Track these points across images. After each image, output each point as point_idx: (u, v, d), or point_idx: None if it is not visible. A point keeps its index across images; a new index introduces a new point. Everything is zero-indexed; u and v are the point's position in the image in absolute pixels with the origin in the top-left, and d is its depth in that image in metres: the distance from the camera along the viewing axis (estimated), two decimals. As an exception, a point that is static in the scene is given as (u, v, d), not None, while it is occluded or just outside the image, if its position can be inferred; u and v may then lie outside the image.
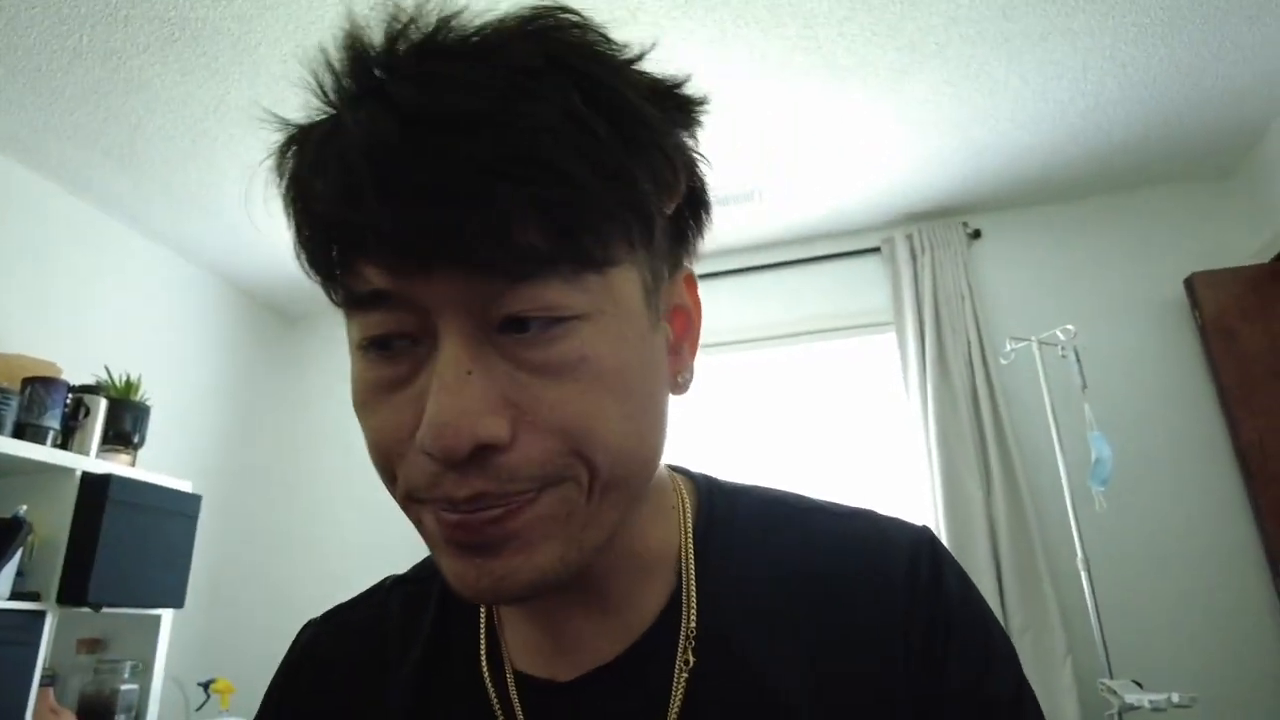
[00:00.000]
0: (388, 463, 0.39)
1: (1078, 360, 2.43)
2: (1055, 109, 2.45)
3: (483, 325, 0.36)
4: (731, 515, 0.52)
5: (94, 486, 2.10)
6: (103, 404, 2.25)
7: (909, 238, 2.99)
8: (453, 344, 0.36)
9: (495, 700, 0.47)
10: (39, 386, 2.10)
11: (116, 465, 2.22)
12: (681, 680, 0.45)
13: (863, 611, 0.46)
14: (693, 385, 0.48)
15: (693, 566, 0.48)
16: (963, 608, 0.47)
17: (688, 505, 0.52)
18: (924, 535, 0.50)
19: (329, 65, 0.38)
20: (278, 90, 2.23)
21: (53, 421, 2.09)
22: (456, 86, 0.35)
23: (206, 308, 3.25)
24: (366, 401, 0.39)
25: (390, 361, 0.38)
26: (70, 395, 2.19)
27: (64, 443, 2.15)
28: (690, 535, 0.50)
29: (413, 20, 0.37)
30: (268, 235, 3.00)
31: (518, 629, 0.50)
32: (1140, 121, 2.52)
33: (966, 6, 2.03)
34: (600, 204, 0.36)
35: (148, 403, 2.42)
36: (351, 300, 0.38)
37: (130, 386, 2.40)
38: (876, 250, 3.05)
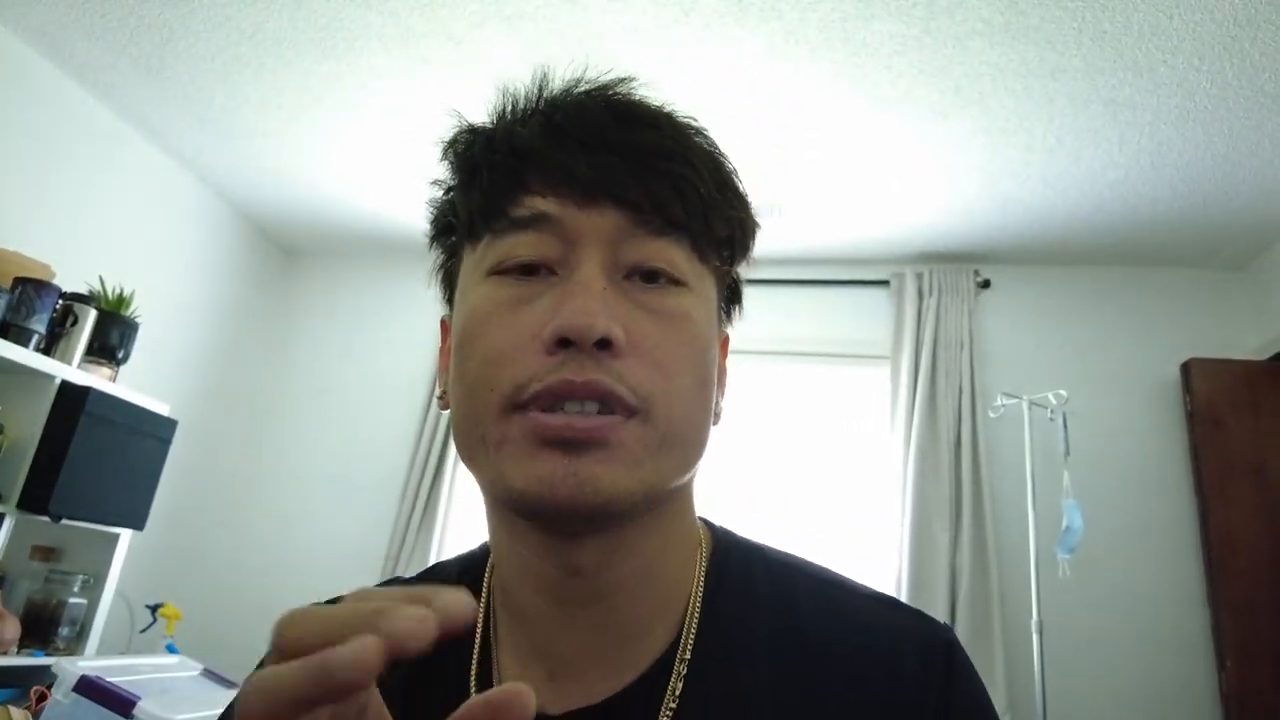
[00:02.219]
0: (497, 367, 0.43)
1: (1065, 426, 2.45)
2: (1085, 175, 2.45)
3: (614, 266, 0.45)
4: (746, 573, 0.52)
5: (71, 396, 2.08)
6: (92, 314, 2.22)
7: (919, 276, 2.99)
8: (592, 267, 0.44)
9: None
10: (30, 288, 2.07)
11: (97, 378, 2.20)
12: (668, 712, 0.45)
13: (864, 694, 0.46)
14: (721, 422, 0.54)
15: (698, 613, 0.49)
16: (970, 717, 0.46)
17: (703, 552, 0.53)
18: (943, 634, 0.49)
19: (513, 93, 0.51)
20: (317, 24, 2.19)
21: (39, 325, 2.06)
22: (642, 105, 0.49)
23: (208, 231, 3.21)
24: (489, 316, 0.45)
25: (521, 283, 0.45)
26: (60, 301, 2.16)
27: (47, 348, 2.12)
28: (701, 584, 0.51)
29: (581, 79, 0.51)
30: (284, 167, 2.96)
31: (513, 652, 0.50)
32: (1166, 201, 2.53)
33: (1017, 60, 2.02)
34: (717, 206, 0.48)
35: (137, 319, 2.40)
36: (512, 223, 0.46)
37: (122, 301, 2.37)
38: (885, 284, 3.05)
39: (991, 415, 2.67)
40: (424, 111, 2.52)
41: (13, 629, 2.03)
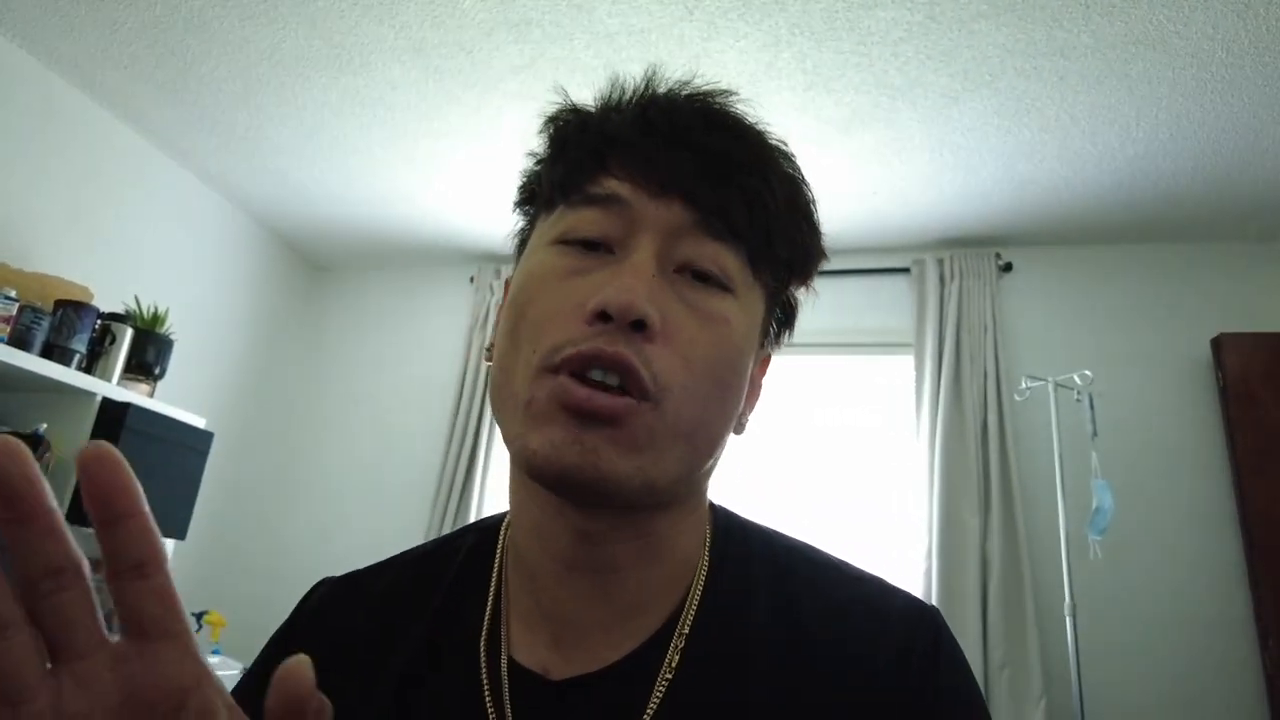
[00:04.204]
0: (541, 329, 0.46)
1: (1091, 407, 2.42)
2: (1103, 152, 2.42)
3: (667, 257, 0.47)
4: (746, 553, 0.54)
5: (112, 413, 2.16)
6: (129, 333, 2.30)
7: (940, 262, 2.97)
8: (646, 253, 0.46)
9: (487, 686, 0.49)
10: (70, 309, 2.15)
11: (136, 394, 2.28)
12: (665, 680, 0.47)
13: (854, 669, 0.48)
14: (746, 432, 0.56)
15: (700, 590, 0.51)
16: (953, 696, 0.48)
17: (708, 532, 0.55)
18: (928, 613, 0.51)
19: (616, 87, 0.53)
20: (332, 41, 2.25)
21: (79, 345, 2.15)
22: (733, 115, 0.51)
23: (239, 248, 3.30)
24: (545, 280, 0.48)
25: (580, 255, 0.48)
26: (99, 321, 2.24)
27: (88, 367, 2.21)
28: (705, 563, 0.53)
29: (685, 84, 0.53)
30: (309, 183, 3.04)
31: (522, 616, 0.52)
32: (1188, 174, 2.49)
33: (1025, 41, 2.01)
34: (781, 225, 0.50)
35: (172, 336, 2.48)
36: (585, 199, 0.49)
37: (157, 319, 2.46)
38: (906, 271, 3.04)
39: (1017, 399, 2.65)
40: (441, 121, 2.57)
41: (66, 637, 2.12)
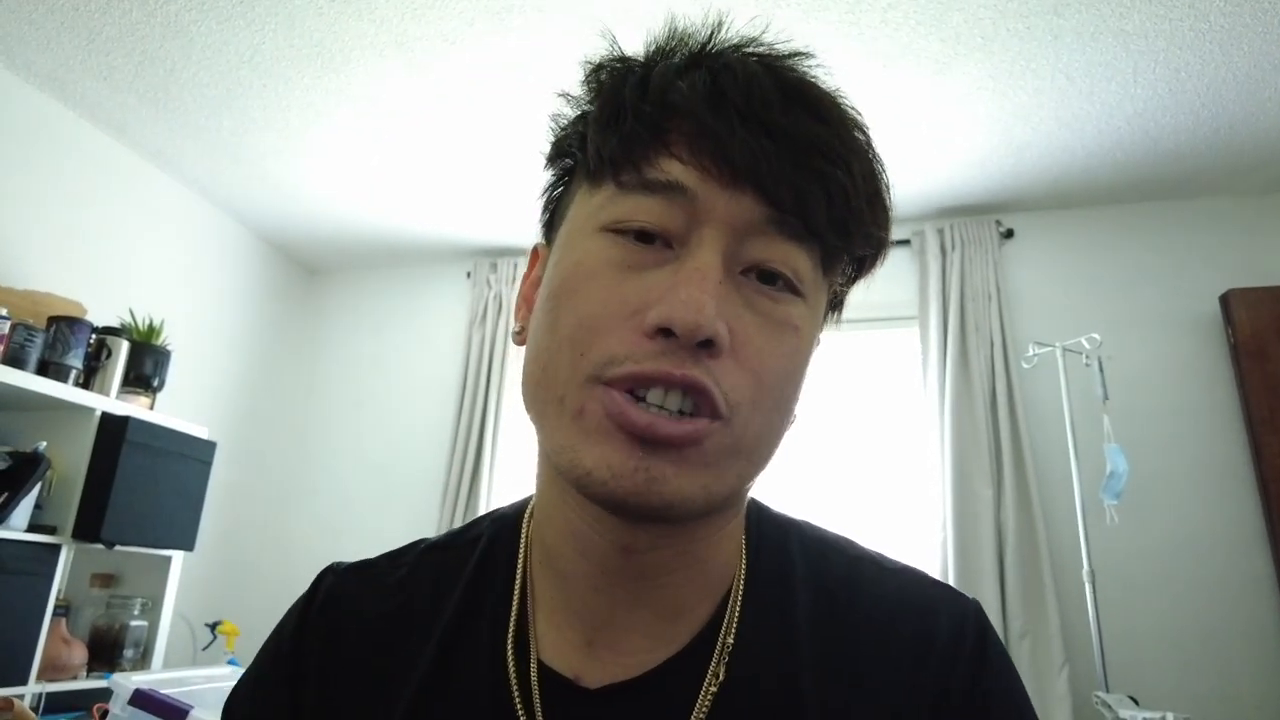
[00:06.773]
0: (593, 333, 0.41)
1: (1101, 370, 2.39)
2: (1101, 111, 2.37)
3: (733, 258, 0.42)
4: (783, 547, 0.52)
5: (112, 427, 2.14)
6: (125, 346, 2.28)
7: (940, 232, 2.93)
8: (713, 254, 0.41)
9: (516, 691, 0.46)
10: (64, 325, 2.13)
11: (135, 407, 2.26)
12: (710, 692, 0.45)
13: (898, 669, 0.46)
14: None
15: (742, 584, 0.49)
16: (1003, 697, 0.46)
17: (743, 531, 0.53)
18: (972, 608, 0.49)
19: (675, 33, 0.46)
20: (312, 40, 2.22)
21: (75, 361, 2.13)
22: (814, 88, 0.45)
23: (231, 255, 3.28)
24: (596, 275, 0.42)
25: (634, 248, 0.42)
26: (94, 336, 2.22)
27: (85, 382, 2.19)
28: (744, 564, 0.51)
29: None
30: (298, 186, 3.01)
31: (550, 615, 0.49)
32: (1189, 130, 2.44)
33: (1017, 1, 1.96)
34: (862, 222, 0.44)
35: (169, 347, 2.46)
36: (643, 184, 0.42)
37: (153, 330, 2.44)
38: (906, 243, 3.00)
39: (1025, 366, 2.61)
40: (428, 116, 2.53)
41: (80, 654, 2.11)
